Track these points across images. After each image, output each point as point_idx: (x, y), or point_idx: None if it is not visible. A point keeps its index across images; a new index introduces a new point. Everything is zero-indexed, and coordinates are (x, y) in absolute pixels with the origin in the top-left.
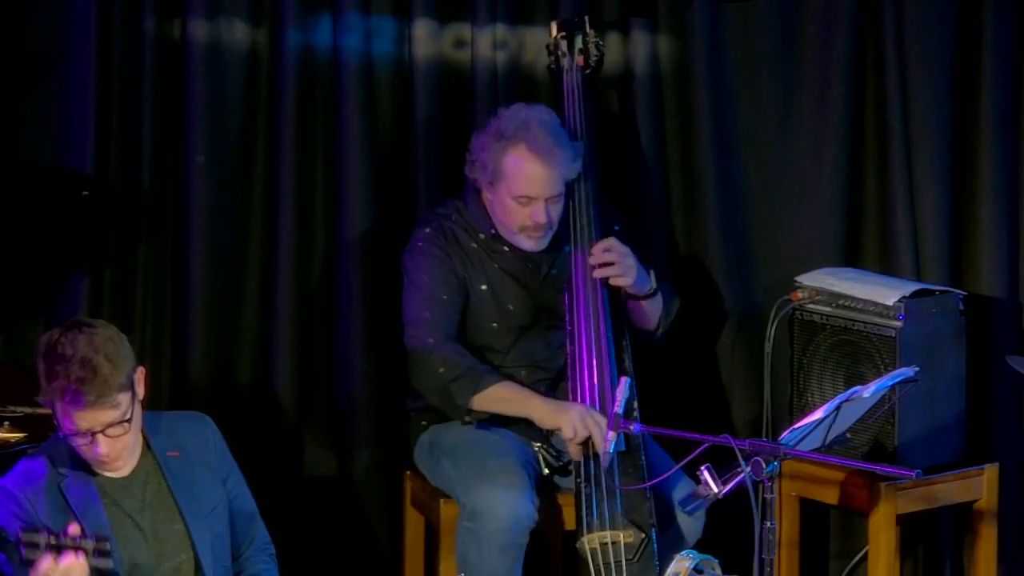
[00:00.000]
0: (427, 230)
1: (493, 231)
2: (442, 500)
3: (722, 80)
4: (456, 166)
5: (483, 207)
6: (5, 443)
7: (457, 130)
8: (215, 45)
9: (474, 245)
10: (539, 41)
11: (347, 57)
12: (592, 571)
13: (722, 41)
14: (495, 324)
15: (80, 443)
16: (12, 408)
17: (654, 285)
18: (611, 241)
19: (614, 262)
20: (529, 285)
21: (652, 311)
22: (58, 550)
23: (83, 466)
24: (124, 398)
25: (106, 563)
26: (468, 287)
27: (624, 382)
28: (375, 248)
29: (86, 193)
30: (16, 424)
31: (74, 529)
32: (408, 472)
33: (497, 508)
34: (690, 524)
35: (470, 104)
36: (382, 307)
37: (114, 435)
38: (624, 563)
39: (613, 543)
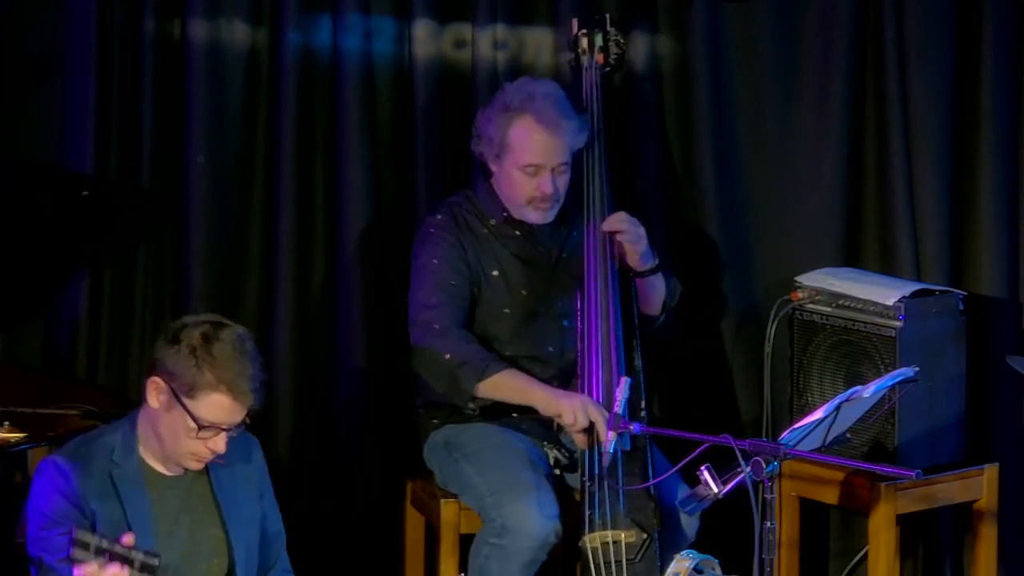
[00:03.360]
0: (439, 216)
1: (505, 214)
2: (442, 500)
3: (722, 80)
4: (456, 166)
5: (492, 192)
6: (5, 443)
7: (457, 130)
8: (215, 45)
9: (485, 231)
10: (539, 41)
11: (347, 57)
12: (592, 570)
13: (722, 41)
14: (507, 310)
15: (205, 436)
16: (13, 408)
17: (657, 260)
18: (622, 214)
19: (625, 229)
20: (541, 269)
21: (656, 291)
22: (107, 556)
23: (135, 457)
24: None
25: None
26: (479, 274)
27: (624, 382)
28: (375, 248)
29: (86, 193)
30: (16, 424)
31: (128, 540)
32: (408, 472)
33: (530, 526)
34: (684, 525)
35: (470, 104)
36: (382, 306)
37: (232, 435)
38: (625, 563)
39: (615, 542)
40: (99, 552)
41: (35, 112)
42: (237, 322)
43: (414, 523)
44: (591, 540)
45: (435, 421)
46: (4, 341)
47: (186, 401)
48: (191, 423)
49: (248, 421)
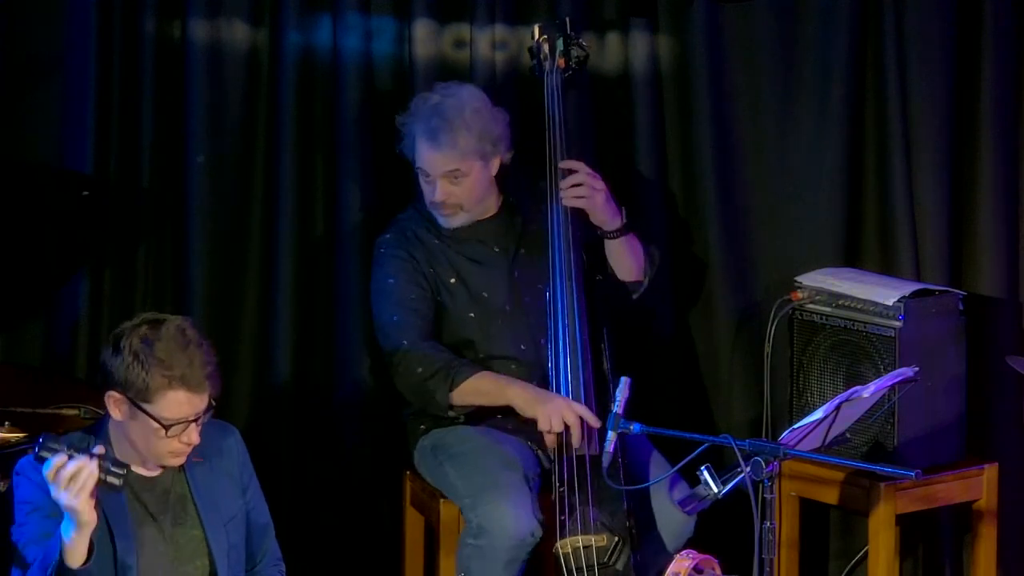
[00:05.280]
0: (388, 236)
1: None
2: (442, 500)
3: (722, 80)
4: None
5: None
6: (5, 443)
7: None
8: (215, 45)
9: (436, 241)
10: None
11: (347, 57)
12: (566, 574)
13: (722, 41)
14: (472, 314)
15: (174, 434)
16: (13, 408)
17: (625, 220)
18: (579, 163)
19: (580, 183)
20: (500, 268)
21: (629, 254)
22: (72, 455)
23: (110, 458)
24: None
25: (117, 480)
26: (438, 284)
27: (625, 382)
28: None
29: (86, 193)
30: (16, 424)
31: (100, 449)
32: (408, 472)
33: (506, 526)
34: (681, 523)
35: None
36: None
37: (202, 423)
38: (597, 567)
39: (585, 547)
40: (66, 452)
41: (35, 112)
42: (237, 322)
43: (413, 523)
44: (563, 546)
45: (423, 427)
46: (4, 341)
47: (146, 407)
48: (157, 426)
49: (214, 404)
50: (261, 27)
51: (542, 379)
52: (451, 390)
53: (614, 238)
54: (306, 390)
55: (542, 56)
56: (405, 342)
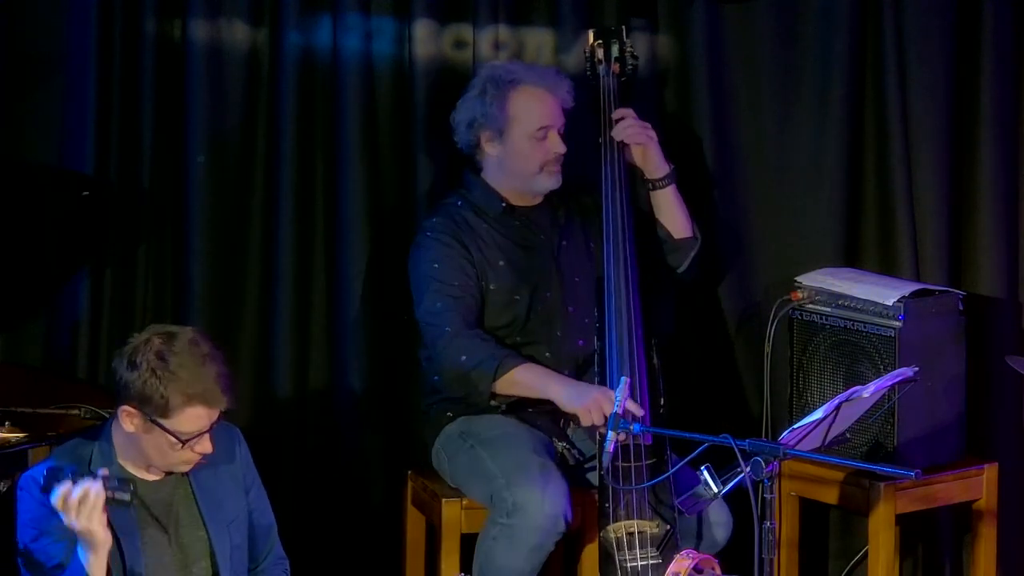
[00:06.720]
0: (435, 219)
1: (503, 204)
2: (444, 500)
3: (722, 80)
4: (456, 165)
5: (487, 185)
6: (5, 443)
7: None
8: (215, 45)
9: (485, 225)
10: (540, 42)
11: (347, 57)
12: (616, 560)
13: (722, 41)
14: (518, 297)
15: (190, 444)
16: (13, 408)
17: (673, 166)
18: (629, 110)
19: (632, 124)
20: (544, 257)
21: (680, 206)
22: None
23: (115, 466)
24: None
25: (125, 496)
26: (485, 267)
27: (625, 382)
28: (375, 247)
29: (86, 193)
30: (17, 424)
31: (104, 471)
32: (409, 472)
33: (540, 508)
34: (714, 526)
35: None
36: (382, 306)
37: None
38: (648, 553)
39: (640, 532)
40: (72, 477)
41: (35, 112)
42: (237, 322)
43: (415, 522)
44: (615, 530)
45: (449, 414)
46: (5, 341)
47: (163, 422)
48: (174, 440)
49: (224, 412)
50: (261, 27)
51: (575, 369)
52: (495, 380)
53: (664, 186)
54: (306, 389)
55: (596, 60)
56: (448, 329)
